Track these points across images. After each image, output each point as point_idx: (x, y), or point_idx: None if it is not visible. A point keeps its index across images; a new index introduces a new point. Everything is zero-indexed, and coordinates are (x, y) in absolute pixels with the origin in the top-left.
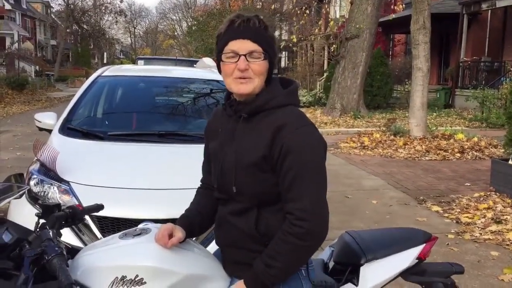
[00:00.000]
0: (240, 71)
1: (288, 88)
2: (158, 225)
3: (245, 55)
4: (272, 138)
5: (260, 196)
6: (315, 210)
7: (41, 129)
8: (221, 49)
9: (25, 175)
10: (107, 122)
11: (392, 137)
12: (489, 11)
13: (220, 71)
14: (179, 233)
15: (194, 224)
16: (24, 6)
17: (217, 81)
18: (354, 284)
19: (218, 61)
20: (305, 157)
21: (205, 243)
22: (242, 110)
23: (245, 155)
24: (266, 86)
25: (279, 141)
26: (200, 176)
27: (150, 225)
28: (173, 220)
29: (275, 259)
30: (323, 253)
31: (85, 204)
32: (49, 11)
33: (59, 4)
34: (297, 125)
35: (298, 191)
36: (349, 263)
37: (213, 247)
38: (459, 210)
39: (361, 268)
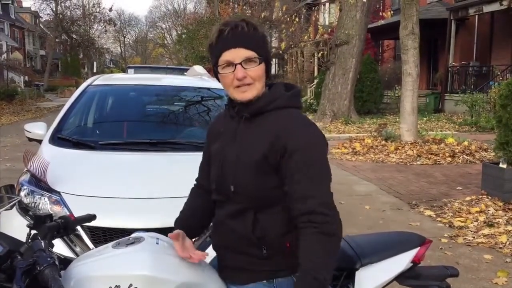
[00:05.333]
0: (239, 80)
1: (290, 91)
2: (151, 233)
3: (240, 64)
4: (274, 139)
5: (257, 197)
6: (331, 203)
7: (31, 139)
8: (216, 61)
9: (15, 186)
10: (98, 132)
11: (383, 142)
12: (476, 16)
13: (219, 80)
14: (186, 241)
15: (192, 226)
16: (13, 17)
17: (208, 88)
18: None
19: (215, 72)
20: (312, 156)
21: (202, 249)
22: (245, 110)
23: (246, 154)
24: (268, 89)
25: (282, 141)
26: (193, 184)
27: (143, 234)
28: (166, 229)
29: (317, 265)
30: None
31: (76, 214)
32: (37, 21)
33: (48, 14)
34: (301, 126)
35: (313, 188)
36: (344, 268)
37: (209, 252)
38: (452, 214)
39: (356, 273)
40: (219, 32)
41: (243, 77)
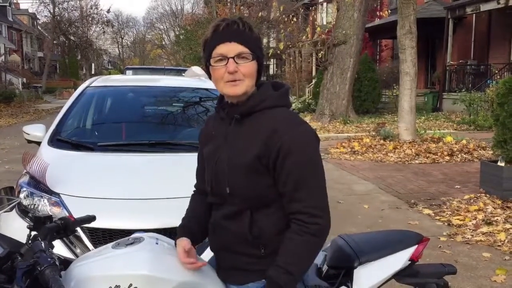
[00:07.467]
0: (230, 74)
1: (279, 91)
2: (151, 234)
3: (233, 58)
4: (267, 139)
5: (253, 198)
6: (325, 206)
7: (29, 141)
8: (209, 54)
9: (14, 188)
10: (96, 133)
11: (381, 141)
12: (474, 15)
13: (210, 77)
14: (191, 249)
15: (195, 233)
16: (10, 19)
17: (206, 89)
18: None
19: (207, 66)
20: (307, 156)
21: (200, 250)
22: (235, 111)
23: (238, 156)
24: (257, 89)
25: (276, 141)
26: (191, 184)
27: (142, 234)
28: (165, 230)
29: (295, 264)
30: (316, 258)
31: (76, 216)
32: (35, 23)
33: (45, 16)
34: (293, 125)
35: (307, 189)
36: (342, 266)
37: (207, 254)
38: (450, 213)
39: (355, 271)
40: (215, 27)
41: (234, 71)
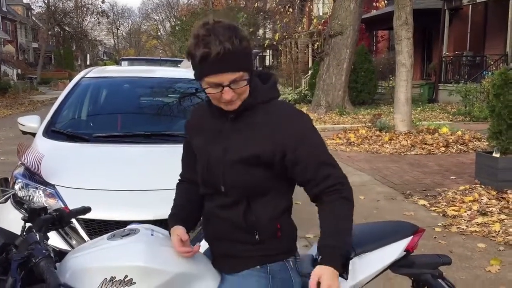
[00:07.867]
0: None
1: (268, 83)
2: (146, 225)
3: (228, 85)
4: (269, 136)
5: (250, 190)
6: (344, 175)
7: (24, 132)
8: (199, 77)
9: (9, 180)
10: (91, 124)
11: (377, 132)
12: (470, 6)
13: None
14: (186, 235)
15: (186, 220)
16: (4, 9)
17: None
18: (344, 278)
19: (202, 88)
20: (315, 141)
21: (194, 243)
22: (230, 111)
23: (236, 151)
24: None
25: (279, 137)
26: None
27: (138, 226)
28: (160, 221)
29: (347, 229)
30: (312, 249)
31: (71, 207)
32: (30, 13)
33: (40, 6)
34: (292, 116)
35: (327, 168)
36: None
37: (202, 246)
38: (445, 204)
39: (350, 262)
40: (203, 56)
41: (232, 98)
